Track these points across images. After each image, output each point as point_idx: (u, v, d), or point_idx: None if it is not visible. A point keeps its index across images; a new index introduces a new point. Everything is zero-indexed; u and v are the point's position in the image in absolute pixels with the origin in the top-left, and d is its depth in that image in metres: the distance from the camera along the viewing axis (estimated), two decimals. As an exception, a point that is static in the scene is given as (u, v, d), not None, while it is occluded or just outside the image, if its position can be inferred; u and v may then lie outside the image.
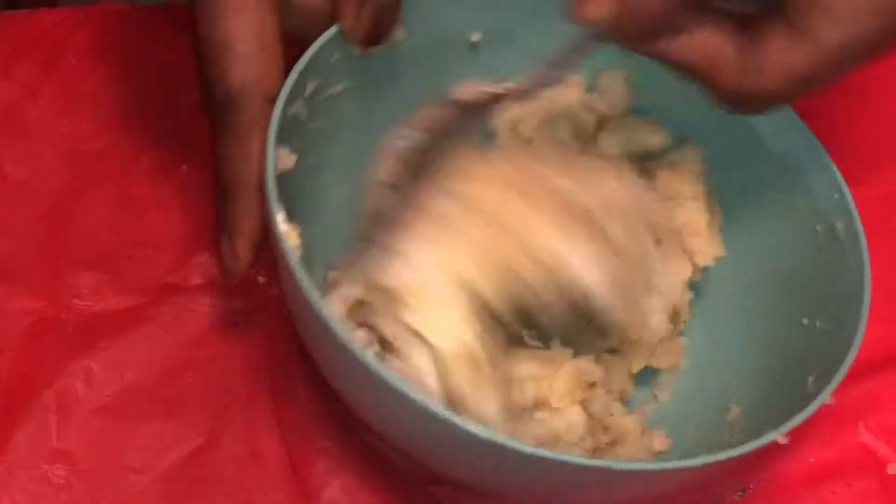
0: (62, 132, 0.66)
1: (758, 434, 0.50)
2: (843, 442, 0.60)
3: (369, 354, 0.49)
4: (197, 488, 0.58)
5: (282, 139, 0.53)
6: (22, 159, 0.66)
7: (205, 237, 0.63)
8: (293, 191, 0.55)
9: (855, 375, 0.62)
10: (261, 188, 0.53)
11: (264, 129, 0.53)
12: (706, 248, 0.61)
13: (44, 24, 0.69)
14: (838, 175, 0.58)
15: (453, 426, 0.47)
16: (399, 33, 0.59)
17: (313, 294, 0.49)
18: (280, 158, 0.53)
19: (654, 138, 0.63)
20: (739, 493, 0.59)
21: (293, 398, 0.60)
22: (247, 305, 0.62)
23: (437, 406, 0.48)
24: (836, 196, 0.57)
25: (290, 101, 0.54)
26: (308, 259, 0.54)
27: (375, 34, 0.57)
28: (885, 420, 0.61)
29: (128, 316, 0.62)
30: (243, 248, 0.55)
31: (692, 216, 0.61)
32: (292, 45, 0.56)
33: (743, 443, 0.50)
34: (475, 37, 0.62)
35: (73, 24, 0.69)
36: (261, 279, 0.62)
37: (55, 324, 0.61)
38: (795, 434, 0.60)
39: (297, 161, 0.55)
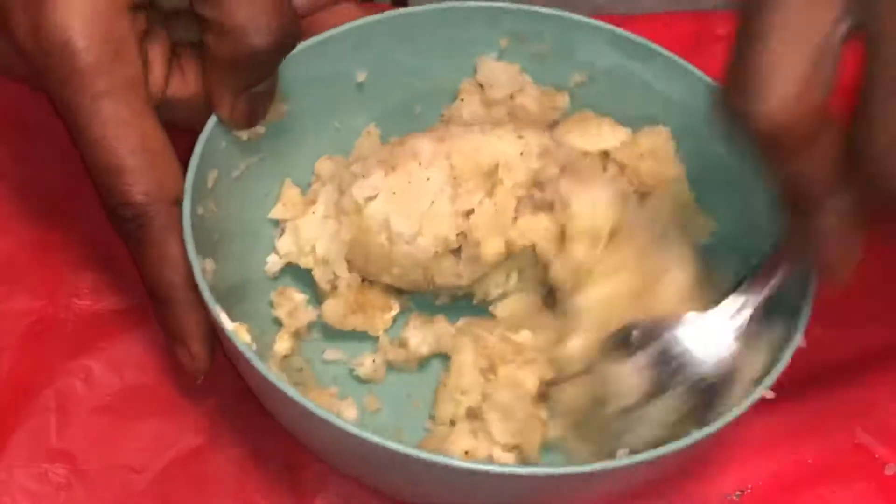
0: (62, 132, 0.66)
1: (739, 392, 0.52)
2: (841, 443, 0.60)
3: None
4: (197, 488, 0.58)
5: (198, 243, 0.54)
6: (22, 159, 0.66)
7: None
8: (231, 282, 0.57)
9: (851, 377, 0.62)
10: (193, 289, 0.53)
11: (178, 232, 0.54)
12: (704, 223, 0.62)
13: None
14: None
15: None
16: (282, 107, 0.60)
17: (266, 371, 0.50)
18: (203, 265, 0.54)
19: (613, 136, 0.63)
20: (738, 494, 0.59)
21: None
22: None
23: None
24: None
25: (195, 197, 0.55)
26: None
27: (254, 119, 0.58)
28: (882, 421, 0.61)
29: (128, 316, 0.62)
30: (197, 348, 0.55)
31: (683, 198, 0.62)
32: (184, 133, 0.57)
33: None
34: (361, 77, 0.63)
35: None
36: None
37: (55, 323, 0.62)
38: (793, 436, 0.60)
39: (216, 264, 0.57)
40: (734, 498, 0.59)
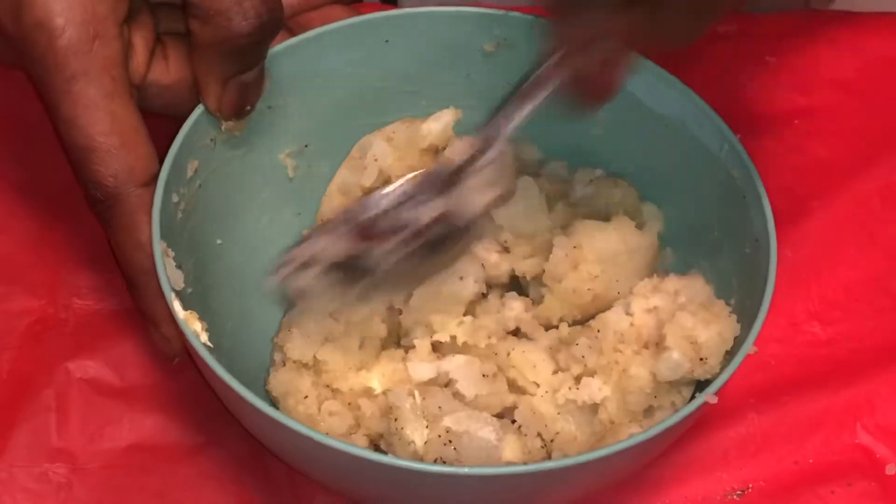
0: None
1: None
2: (842, 443, 0.60)
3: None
4: (197, 488, 0.58)
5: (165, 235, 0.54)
6: (22, 159, 0.66)
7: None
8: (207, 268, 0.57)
9: (852, 376, 0.62)
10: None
11: (149, 215, 0.53)
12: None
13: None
14: (724, 126, 0.58)
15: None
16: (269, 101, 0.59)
17: (222, 372, 0.50)
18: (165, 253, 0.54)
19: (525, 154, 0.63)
20: (739, 493, 0.59)
21: (293, 398, 0.60)
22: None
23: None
24: (727, 147, 0.58)
25: (171, 185, 0.55)
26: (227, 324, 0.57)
27: (242, 109, 0.57)
28: (883, 421, 0.61)
29: (128, 315, 0.62)
30: (169, 330, 0.55)
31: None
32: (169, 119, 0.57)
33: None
34: (346, 76, 0.62)
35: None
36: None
37: (55, 323, 0.62)
38: (793, 436, 0.60)
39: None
40: (734, 498, 0.59)
